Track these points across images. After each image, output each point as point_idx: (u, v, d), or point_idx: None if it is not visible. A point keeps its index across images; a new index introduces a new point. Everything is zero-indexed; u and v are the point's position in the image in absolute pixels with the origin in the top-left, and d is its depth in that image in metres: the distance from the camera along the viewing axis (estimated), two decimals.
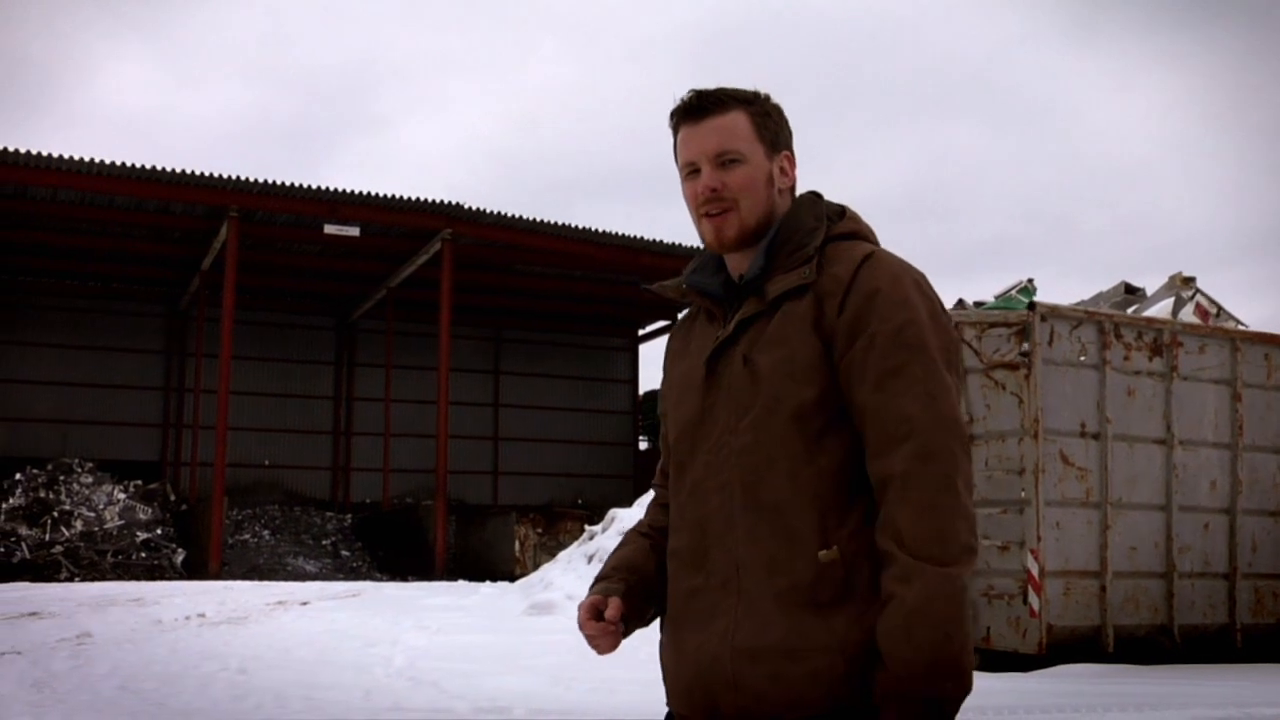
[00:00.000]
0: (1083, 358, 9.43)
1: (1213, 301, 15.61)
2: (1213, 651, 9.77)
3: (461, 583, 21.86)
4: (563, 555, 16.82)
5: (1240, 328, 13.41)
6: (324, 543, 29.77)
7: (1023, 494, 9.20)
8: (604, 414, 35.82)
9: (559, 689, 8.12)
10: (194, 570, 24.56)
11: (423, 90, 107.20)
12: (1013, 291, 16.73)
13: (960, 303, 16.03)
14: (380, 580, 24.64)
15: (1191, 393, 9.82)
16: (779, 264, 1.89)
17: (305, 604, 15.16)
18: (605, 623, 1.95)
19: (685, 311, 2.13)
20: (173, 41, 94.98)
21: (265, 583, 19.75)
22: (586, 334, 35.85)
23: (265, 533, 29.86)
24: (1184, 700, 8.07)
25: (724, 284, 1.97)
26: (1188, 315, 14.99)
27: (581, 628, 1.98)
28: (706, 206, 1.92)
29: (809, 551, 1.76)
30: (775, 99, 1.99)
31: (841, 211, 1.98)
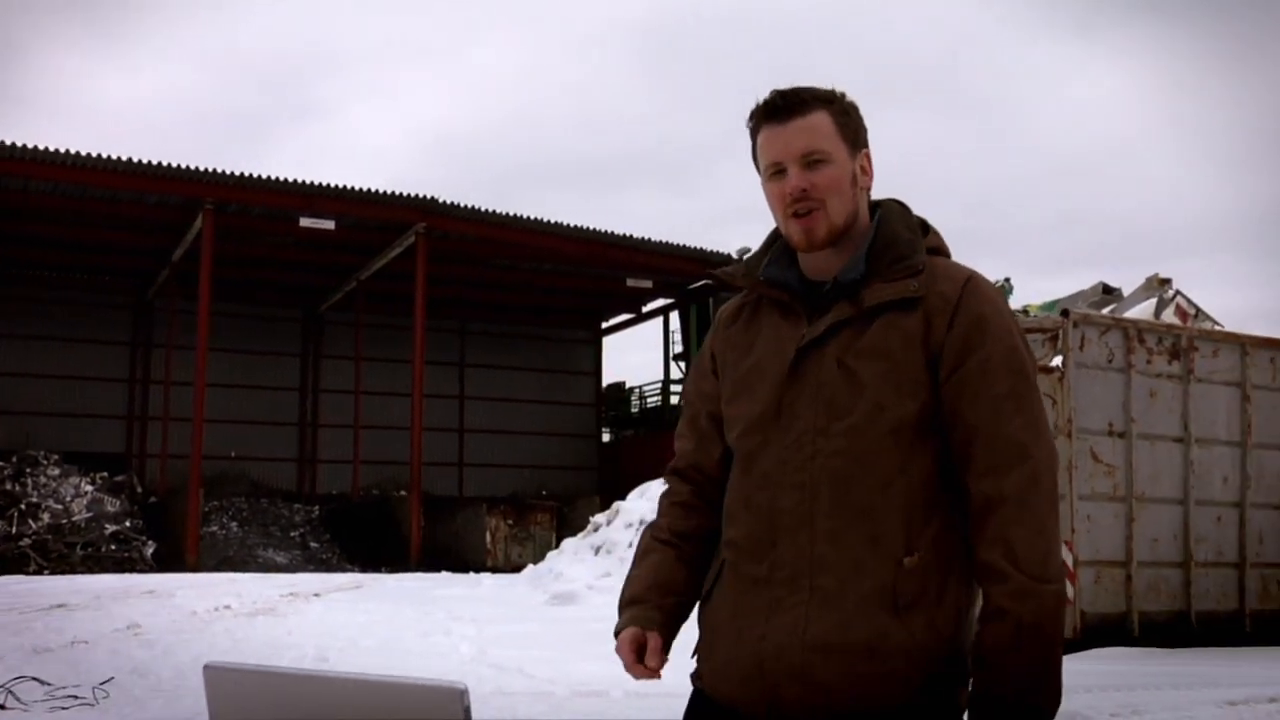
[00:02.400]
0: (1111, 362, 10.08)
1: (1191, 303, 16.46)
2: (1225, 635, 10.49)
3: (445, 574, 22.13)
4: (568, 546, 17.21)
5: (1217, 328, 14.21)
6: (292, 534, 29.81)
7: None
8: (568, 406, 36.20)
9: None
10: (165, 563, 24.51)
11: (370, 77, 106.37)
12: None
13: None
14: (351, 571, 24.82)
15: (1206, 394, 10.53)
16: (879, 271, 1.92)
17: (316, 595, 15.39)
18: (651, 669, 1.97)
19: (735, 299, 2.13)
20: (109, 25, 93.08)
21: (267, 575, 19.92)
22: (551, 326, 36.21)
23: (233, 525, 29.81)
24: (1211, 680, 8.73)
25: (799, 280, 1.99)
26: (1169, 316, 15.78)
27: (628, 669, 2.00)
28: (795, 206, 1.92)
29: (894, 557, 1.82)
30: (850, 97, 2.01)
31: (925, 225, 2.03)
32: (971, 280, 1.91)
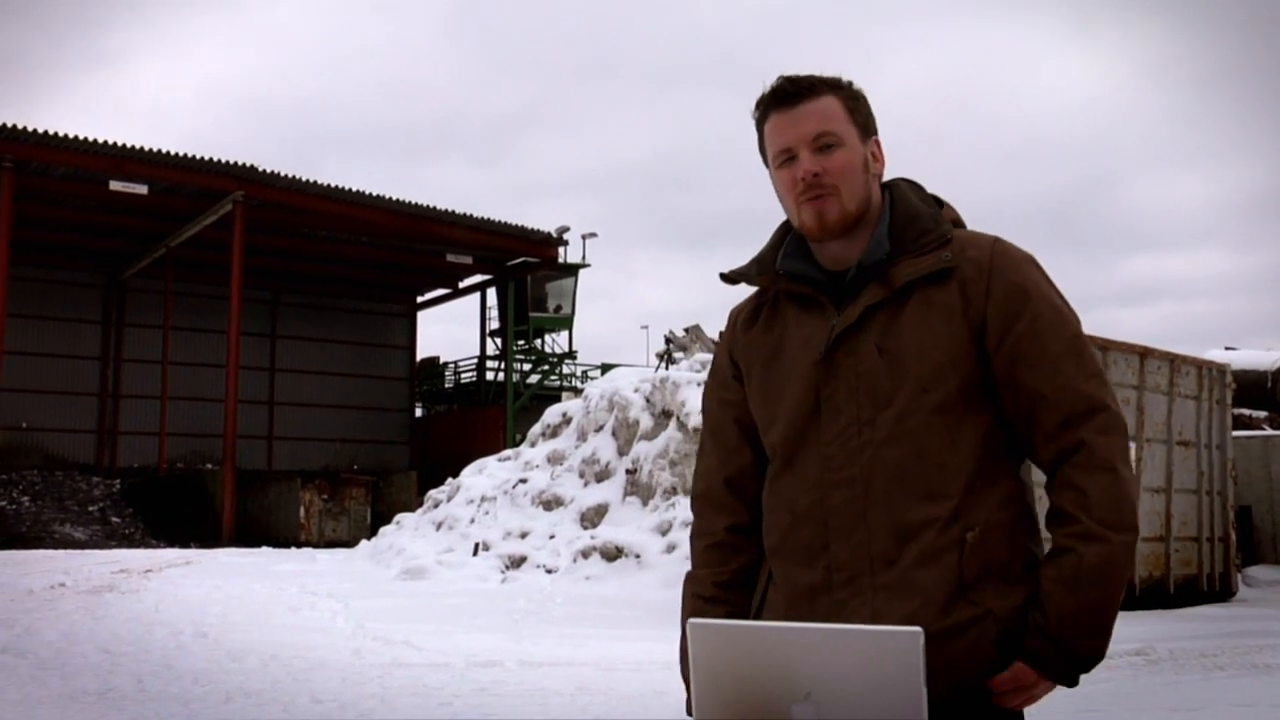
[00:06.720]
0: None
1: None
2: None
3: (267, 549, 21.80)
4: (407, 521, 17.25)
5: None
6: (91, 509, 28.61)
7: None
8: (381, 380, 35.83)
9: (526, 644, 8.87)
10: None
11: (160, 29, 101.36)
12: None
13: None
14: (157, 546, 24.09)
15: None
16: (905, 248, 1.85)
17: (150, 571, 15.06)
18: None
19: (748, 300, 2.05)
20: None
21: (84, 551, 19.22)
22: (366, 299, 35.74)
23: (24, 499, 28.41)
24: None
25: (819, 270, 1.91)
26: None
27: None
28: (808, 192, 1.84)
29: (956, 537, 1.76)
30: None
31: (939, 200, 1.97)
32: (999, 243, 1.87)
